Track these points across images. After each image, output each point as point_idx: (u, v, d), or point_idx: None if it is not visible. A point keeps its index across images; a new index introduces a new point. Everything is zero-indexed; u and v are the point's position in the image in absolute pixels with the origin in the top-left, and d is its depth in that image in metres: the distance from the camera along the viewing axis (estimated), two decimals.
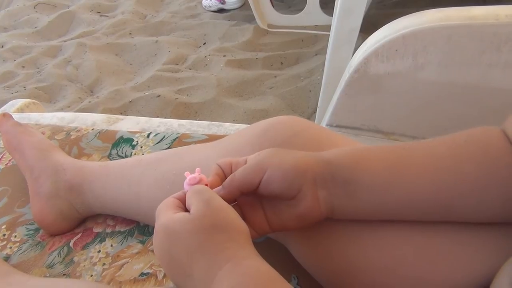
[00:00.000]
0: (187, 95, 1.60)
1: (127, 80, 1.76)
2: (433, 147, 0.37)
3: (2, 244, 0.57)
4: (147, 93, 1.60)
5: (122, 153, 0.65)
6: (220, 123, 0.69)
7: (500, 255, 0.33)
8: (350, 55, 1.07)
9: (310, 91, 1.52)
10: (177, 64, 1.81)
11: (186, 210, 0.35)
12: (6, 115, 0.65)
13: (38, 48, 2.00)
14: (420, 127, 0.66)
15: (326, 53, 1.17)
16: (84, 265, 0.52)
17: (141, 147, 0.65)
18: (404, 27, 0.55)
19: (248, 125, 0.55)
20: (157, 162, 0.52)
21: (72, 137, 0.69)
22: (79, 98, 1.64)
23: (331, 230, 0.39)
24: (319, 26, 1.91)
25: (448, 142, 0.36)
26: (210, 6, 2.20)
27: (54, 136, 0.70)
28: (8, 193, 0.63)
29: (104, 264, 0.52)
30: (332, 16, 1.29)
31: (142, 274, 0.50)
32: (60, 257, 0.54)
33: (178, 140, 0.65)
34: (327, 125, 0.71)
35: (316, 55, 1.73)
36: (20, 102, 0.92)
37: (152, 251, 0.52)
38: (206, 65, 1.77)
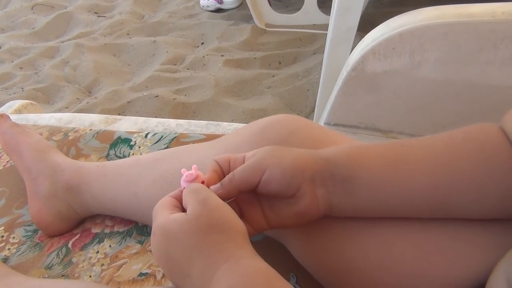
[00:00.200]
0: (185, 95, 1.60)
1: (125, 80, 1.76)
2: (430, 144, 0.37)
3: (0, 245, 0.57)
4: (145, 93, 1.60)
5: (120, 153, 0.65)
6: (218, 122, 0.69)
7: (498, 251, 0.33)
8: (347, 53, 1.07)
9: (308, 90, 1.52)
10: (175, 64, 1.81)
11: (183, 209, 0.34)
12: (3, 116, 0.65)
13: (35, 49, 2.00)
14: (417, 125, 0.66)
15: (324, 52, 1.17)
16: (83, 266, 0.52)
17: (139, 147, 0.65)
18: (401, 25, 0.55)
19: (246, 124, 0.55)
20: (155, 162, 0.52)
21: (70, 137, 0.69)
22: (77, 99, 1.64)
23: (329, 228, 0.39)
24: (317, 25, 1.91)
25: (446, 139, 0.36)
26: (208, 6, 2.20)
27: (52, 137, 0.70)
28: (6, 194, 0.63)
29: (102, 264, 0.52)
30: (329, 15, 1.29)
31: (141, 274, 0.50)
32: (59, 258, 0.54)
33: (176, 140, 0.65)
34: (325, 123, 0.71)
35: (314, 54, 1.73)
36: (17, 103, 0.92)
37: (151, 251, 0.52)
38: (204, 65, 1.77)
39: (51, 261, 0.54)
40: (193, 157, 0.49)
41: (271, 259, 0.47)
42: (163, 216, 0.32)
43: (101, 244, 0.55)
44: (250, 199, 0.38)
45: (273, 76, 1.64)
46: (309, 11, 1.89)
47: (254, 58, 1.76)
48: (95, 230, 0.57)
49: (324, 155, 0.37)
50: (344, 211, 0.37)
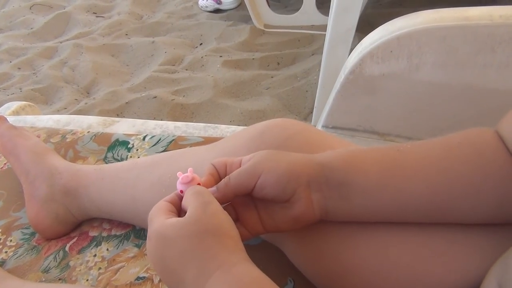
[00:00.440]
0: (184, 96, 1.60)
1: (124, 81, 1.76)
2: (427, 149, 0.37)
3: None
4: (143, 94, 1.60)
5: (118, 156, 0.65)
6: (216, 125, 0.69)
7: (495, 255, 0.33)
8: (346, 54, 1.07)
9: (306, 91, 1.52)
10: (174, 65, 1.80)
11: (179, 214, 0.34)
12: (1, 118, 0.65)
13: (34, 49, 2.00)
14: (415, 128, 0.66)
15: (322, 53, 1.17)
16: (80, 270, 0.52)
17: (137, 150, 0.65)
18: (399, 28, 0.55)
19: (244, 127, 0.55)
20: (153, 166, 0.52)
21: (67, 140, 0.69)
22: (76, 99, 1.63)
23: (325, 232, 0.39)
24: (316, 26, 1.91)
25: (442, 144, 0.36)
26: (206, 7, 2.20)
27: (50, 139, 0.69)
28: (3, 197, 0.63)
29: (100, 268, 0.52)
30: (328, 15, 1.29)
31: (138, 278, 0.49)
32: (56, 261, 0.54)
33: (174, 143, 0.65)
34: (323, 126, 0.71)
35: (313, 55, 1.73)
36: (15, 104, 0.92)
37: None
38: (203, 65, 1.77)
39: (48, 264, 0.54)
40: (191, 161, 0.49)
41: (269, 263, 0.47)
42: (159, 221, 0.32)
43: (99, 247, 0.54)
44: (246, 203, 0.38)
45: (272, 77, 1.64)
46: (308, 12, 1.89)
47: (253, 59, 1.76)
48: (93, 233, 0.57)
49: (320, 160, 0.37)
50: (340, 216, 0.37)
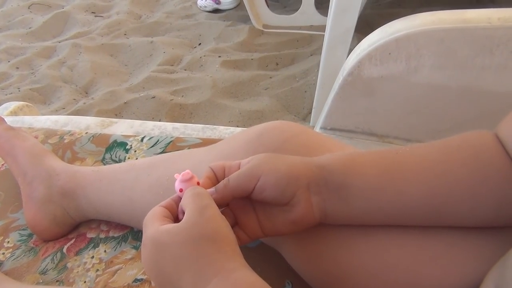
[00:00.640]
0: (182, 96, 1.59)
1: (122, 81, 1.76)
2: (426, 152, 0.37)
3: None
4: (142, 94, 1.59)
5: (116, 157, 0.65)
6: (215, 126, 0.69)
7: (493, 259, 0.33)
8: (345, 55, 1.07)
9: (305, 91, 1.52)
10: (172, 65, 1.80)
11: (175, 220, 0.34)
12: None
13: (32, 49, 1.99)
14: (414, 130, 0.66)
15: (321, 53, 1.17)
16: (78, 271, 0.52)
17: (135, 151, 0.65)
18: (397, 30, 0.55)
19: (243, 128, 0.55)
20: (151, 168, 0.51)
21: (65, 141, 0.69)
22: (74, 99, 1.63)
23: (324, 235, 0.39)
24: (314, 26, 1.91)
25: (441, 147, 0.36)
26: (205, 7, 2.19)
27: (48, 140, 0.69)
28: (1, 198, 0.63)
29: (97, 270, 0.52)
30: (327, 16, 1.29)
31: (136, 280, 0.49)
32: (53, 263, 0.54)
33: (172, 144, 0.65)
34: (321, 128, 0.71)
35: (312, 55, 1.73)
36: (13, 105, 0.92)
37: None
38: (201, 65, 1.77)
39: (45, 266, 0.53)
40: (189, 162, 0.49)
41: (267, 266, 0.47)
42: (153, 227, 0.32)
43: (96, 249, 0.54)
44: (245, 206, 0.37)
45: (271, 77, 1.64)
46: (307, 12, 1.89)
47: (252, 59, 1.76)
48: (90, 235, 0.57)
49: (319, 163, 0.37)
50: (339, 219, 0.37)
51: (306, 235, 0.40)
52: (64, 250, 0.55)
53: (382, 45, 0.56)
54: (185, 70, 1.77)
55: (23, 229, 0.58)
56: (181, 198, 0.35)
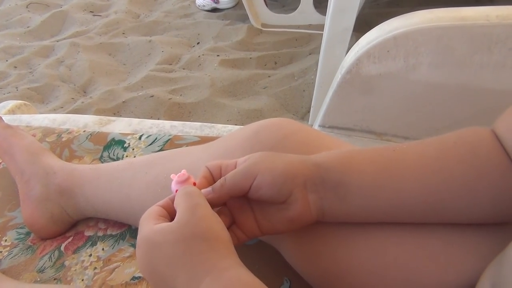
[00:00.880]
0: (181, 95, 1.59)
1: (120, 80, 1.75)
2: (423, 149, 0.37)
3: None
4: (140, 93, 1.59)
5: (114, 155, 0.65)
6: (213, 124, 0.69)
7: (491, 256, 0.33)
8: (343, 54, 1.07)
9: (304, 90, 1.52)
10: (171, 64, 1.80)
11: (171, 219, 0.34)
12: None
13: (30, 48, 1.99)
14: (412, 127, 0.66)
15: (320, 52, 1.17)
16: (75, 269, 0.52)
17: (133, 149, 0.65)
18: (396, 28, 0.55)
19: (240, 126, 0.55)
20: (149, 165, 0.51)
21: (63, 139, 0.68)
22: (72, 98, 1.63)
23: (321, 233, 0.39)
24: (313, 25, 1.91)
25: (438, 144, 0.36)
26: (203, 6, 2.19)
27: (45, 138, 0.69)
28: None
29: (95, 268, 0.52)
30: (325, 15, 1.29)
31: (134, 278, 0.49)
32: (51, 261, 0.53)
33: (170, 142, 0.64)
34: (319, 126, 0.71)
35: (310, 54, 1.73)
36: (11, 103, 0.92)
37: None
38: (200, 64, 1.77)
39: (43, 264, 0.53)
40: (187, 161, 0.49)
41: (265, 263, 0.47)
42: (148, 227, 0.32)
43: (94, 247, 0.54)
44: (242, 205, 0.37)
45: (269, 76, 1.64)
46: (305, 11, 1.89)
47: (250, 58, 1.76)
48: (88, 233, 0.57)
49: (316, 161, 0.37)
50: (336, 217, 0.37)
51: (305, 233, 0.40)
52: (62, 248, 0.55)
53: (380, 43, 0.56)
54: (183, 69, 1.77)
55: (21, 228, 0.58)
56: None
